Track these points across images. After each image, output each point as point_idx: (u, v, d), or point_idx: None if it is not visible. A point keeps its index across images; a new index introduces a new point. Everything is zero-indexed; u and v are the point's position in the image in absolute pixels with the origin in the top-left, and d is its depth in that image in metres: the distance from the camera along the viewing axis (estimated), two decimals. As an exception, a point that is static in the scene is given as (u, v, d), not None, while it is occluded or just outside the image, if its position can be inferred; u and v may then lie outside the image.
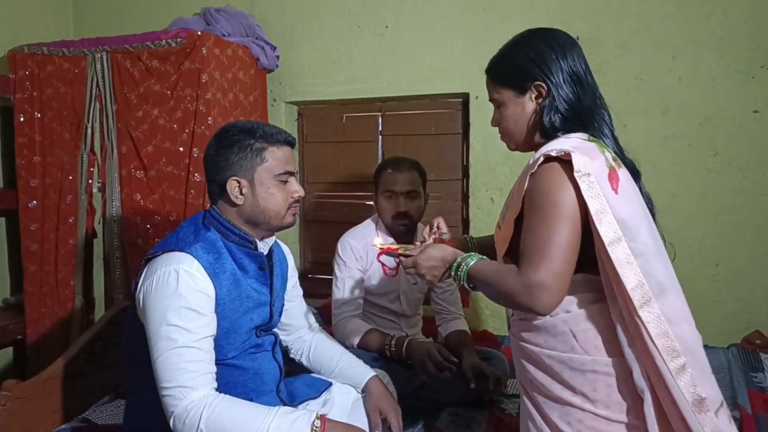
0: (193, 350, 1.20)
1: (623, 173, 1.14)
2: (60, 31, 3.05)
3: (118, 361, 1.51)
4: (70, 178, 2.56)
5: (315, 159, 3.04)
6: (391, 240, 2.05)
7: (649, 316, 1.05)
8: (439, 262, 1.24)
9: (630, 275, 1.06)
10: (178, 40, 2.33)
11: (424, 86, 2.71)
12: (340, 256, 2.05)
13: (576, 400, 1.14)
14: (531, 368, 1.22)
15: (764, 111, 2.31)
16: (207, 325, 1.24)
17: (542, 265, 1.05)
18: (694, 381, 1.04)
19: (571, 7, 2.50)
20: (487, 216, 2.64)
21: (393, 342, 1.84)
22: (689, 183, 2.42)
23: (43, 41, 2.60)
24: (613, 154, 1.17)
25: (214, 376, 1.25)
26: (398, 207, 1.98)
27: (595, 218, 1.06)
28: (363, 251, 2.04)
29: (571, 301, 1.16)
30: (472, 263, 1.18)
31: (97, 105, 2.48)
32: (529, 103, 1.22)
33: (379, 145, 2.93)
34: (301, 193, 1.39)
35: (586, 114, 1.18)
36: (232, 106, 2.51)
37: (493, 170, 2.64)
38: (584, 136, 1.18)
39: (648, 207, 1.20)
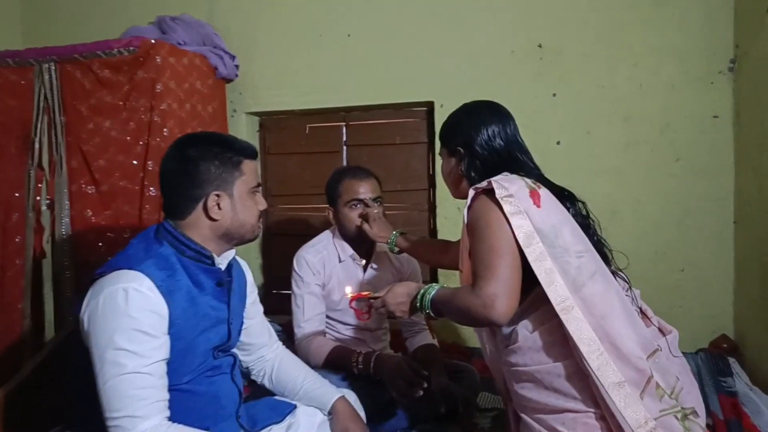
0: (143, 376, 1.11)
1: (544, 192, 1.28)
2: (6, 41, 2.91)
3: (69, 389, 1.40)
4: (17, 195, 2.42)
5: (278, 171, 2.96)
6: (351, 252, 1.99)
7: (566, 313, 1.14)
8: (405, 297, 1.37)
9: (545, 278, 1.16)
10: (131, 48, 2.24)
11: (389, 95, 2.68)
12: (297, 272, 1.97)
13: (570, 404, 1.19)
14: (528, 387, 1.25)
15: (723, 116, 2.34)
16: (159, 348, 1.15)
17: (490, 277, 1.15)
18: (610, 364, 1.11)
19: (534, 17, 2.50)
20: (454, 226, 2.61)
21: (360, 358, 1.77)
22: (653, 188, 2.43)
23: (-13, 51, 2.47)
24: (533, 180, 1.31)
25: (167, 403, 1.16)
26: (368, 214, 1.92)
27: (516, 231, 1.18)
28: (320, 265, 1.97)
29: (542, 313, 1.22)
30: (433, 292, 1.30)
31: (45, 118, 2.36)
32: (455, 161, 1.46)
33: (344, 156, 2.88)
34: (265, 205, 1.39)
35: (501, 164, 1.37)
36: (189, 117, 2.42)
37: (460, 179, 2.61)
38: (507, 173, 1.34)
39: (585, 223, 1.33)
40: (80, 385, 1.22)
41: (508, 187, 1.24)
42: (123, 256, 1.24)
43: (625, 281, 1.34)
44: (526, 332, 1.25)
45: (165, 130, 2.27)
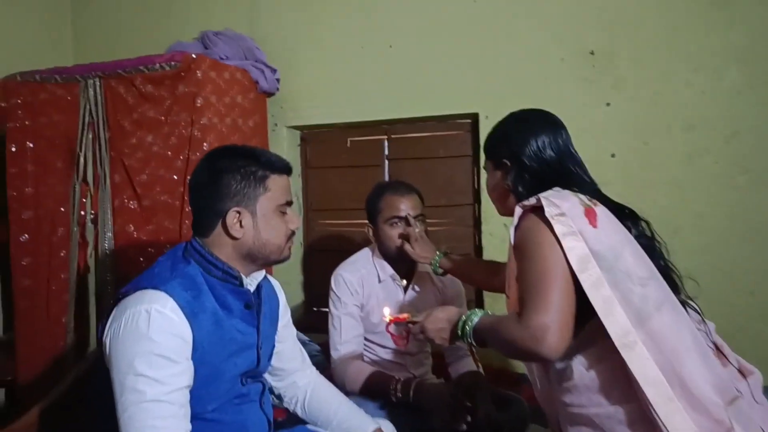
0: (163, 405, 1.05)
1: (601, 210, 1.16)
2: (59, 59, 2.98)
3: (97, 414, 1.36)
4: (62, 209, 2.45)
5: (319, 185, 2.91)
6: (392, 272, 1.90)
7: (628, 350, 1.01)
8: (445, 323, 1.27)
9: (602, 309, 1.03)
10: (173, 63, 2.24)
11: (431, 107, 2.59)
12: (334, 292, 1.89)
13: None
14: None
15: (797, 124, 2.14)
16: (181, 375, 1.09)
17: (541, 306, 1.04)
18: (682, 414, 0.96)
19: (582, 22, 2.37)
20: (501, 242, 2.48)
21: (399, 385, 1.67)
22: (717, 203, 2.24)
23: (39, 68, 2.52)
24: (588, 197, 1.19)
25: (189, 434, 1.10)
26: (409, 234, 1.83)
27: (569, 255, 1.07)
28: (359, 284, 1.88)
29: (605, 348, 1.07)
30: (476, 319, 1.20)
31: (90, 133, 2.38)
32: (502, 175, 1.36)
33: (386, 170, 2.80)
34: (298, 224, 1.29)
35: (552, 177, 1.26)
36: (230, 132, 2.40)
37: (506, 194, 2.49)
38: (557, 188, 1.22)
39: (650, 245, 1.20)
40: (106, 411, 1.17)
41: (560, 204, 1.12)
42: (148, 274, 1.19)
43: (698, 312, 1.18)
44: (582, 369, 1.11)
45: (205, 144, 2.25)
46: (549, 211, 1.11)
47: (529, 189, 1.26)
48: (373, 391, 1.71)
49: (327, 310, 2.69)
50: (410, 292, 1.93)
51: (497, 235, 2.51)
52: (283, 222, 1.25)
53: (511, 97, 2.42)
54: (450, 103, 2.56)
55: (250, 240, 1.21)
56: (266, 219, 1.22)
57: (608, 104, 2.35)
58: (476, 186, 2.64)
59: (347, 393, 1.56)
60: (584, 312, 1.06)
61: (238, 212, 1.20)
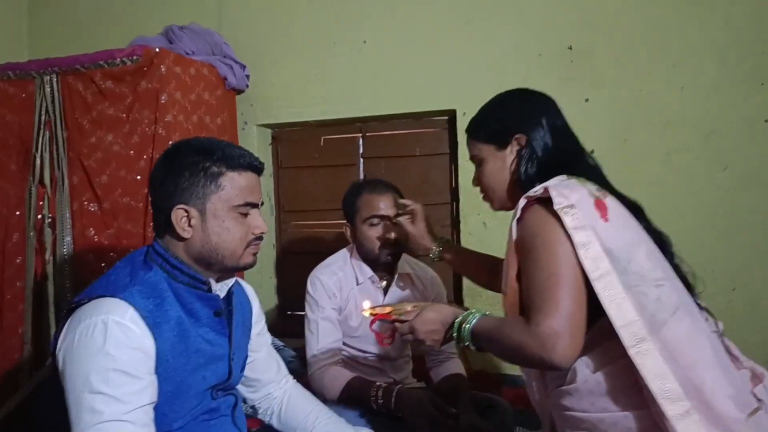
0: (123, 425, 0.94)
1: (611, 201, 1.08)
2: (13, 54, 2.81)
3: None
4: (17, 213, 2.30)
5: (291, 185, 2.81)
6: (370, 274, 1.82)
7: (642, 358, 0.93)
8: (438, 324, 1.14)
9: (615, 314, 0.95)
10: (134, 57, 2.11)
11: (407, 104, 2.52)
12: (311, 295, 1.81)
13: None
14: None
15: (775, 120, 2.13)
16: (142, 391, 0.98)
17: (551, 310, 0.95)
18: (700, 428, 0.89)
19: (561, 19, 2.33)
20: (480, 242, 2.42)
21: (380, 392, 1.59)
22: (697, 200, 2.22)
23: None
24: (598, 186, 1.11)
25: (152, 457, 1.00)
26: (388, 233, 1.75)
27: (579, 252, 0.98)
28: (336, 287, 1.80)
29: (613, 349, 0.99)
30: (474, 321, 1.08)
31: (47, 132, 2.24)
32: (509, 156, 1.22)
33: (361, 169, 2.72)
34: (264, 229, 1.16)
35: (562, 160, 1.17)
36: (196, 129, 2.28)
37: (484, 192, 2.43)
38: (563, 177, 1.13)
39: (661, 242, 1.13)
40: (60, 430, 1.06)
41: (569, 195, 1.03)
42: (104, 281, 1.09)
43: (710, 315, 1.12)
44: (587, 372, 1.03)
45: (170, 143, 2.12)
46: (558, 203, 1.01)
47: (536, 175, 1.15)
48: (353, 398, 1.63)
49: (301, 314, 2.58)
50: (390, 294, 1.85)
51: (476, 235, 2.45)
52: (241, 225, 1.12)
53: (489, 93, 2.28)
54: (427, 99, 2.49)
55: (198, 242, 1.10)
56: (217, 220, 1.10)
57: (587, 100, 2.31)
58: (453, 184, 2.58)
59: (325, 401, 1.47)
60: (592, 312, 0.98)
61: (185, 210, 1.09)
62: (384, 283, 1.85)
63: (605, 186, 1.13)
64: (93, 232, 2.21)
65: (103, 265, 2.19)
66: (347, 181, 2.70)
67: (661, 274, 1.02)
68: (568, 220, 0.99)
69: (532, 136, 1.18)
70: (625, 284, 0.97)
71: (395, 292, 1.87)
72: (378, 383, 1.64)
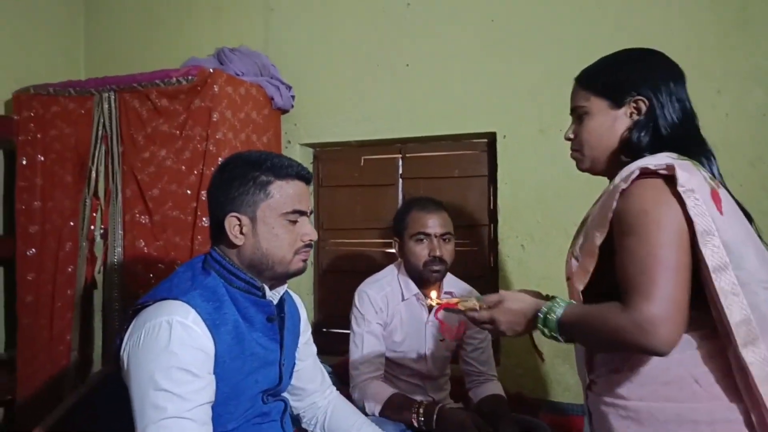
0: (185, 422, 0.99)
1: (724, 193, 1.02)
2: (71, 73, 2.96)
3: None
4: (71, 224, 2.40)
5: (331, 204, 2.86)
6: (416, 291, 1.84)
7: (753, 357, 0.91)
8: (520, 317, 1.08)
9: (735, 308, 0.92)
10: (189, 77, 2.21)
11: (447, 126, 2.55)
12: (357, 309, 1.84)
13: None
14: None
15: (824, 147, 2.11)
16: (202, 390, 1.03)
17: (655, 294, 0.90)
18: None
19: (605, 42, 2.32)
20: (518, 265, 2.42)
21: (422, 409, 1.60)
22: (742, 227, 2.19)
23: (51, 82, 2.50)
24: (711, 175, 1.05)
25: (210, 455, 1.03)
26: (433, 251, 1.78)
27: (700, 239, 0.93)
28: (384, 302, 1.83)
29: (685, 339, 0.97)
30: (560, 311, 1.01)
31: (103, 147, 2.35)
32: (622, 118, 1.12)
33: (399, 189, 2.75)
34: (313, 236, 1.20)
35: (681, 138, 1.07)
36: (243, 147, 2.36)
37: (523, 215, 2.44)
38: (673, 155, 1.04)
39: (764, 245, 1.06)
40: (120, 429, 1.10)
41: (690, 178, 0.95)
42: (167, 285, 1.14)
43: None
44: (656, 358, 0.97)
45: (219, 159, 2.21)
46: (683, 182, 0.93)
47: (648, 146, 1.05)
48: (394, 413, 1.64)
49: (336, 331, 2.62)
50: (434, 312, 1.87)
51: (514, 257, 2.45)
52: (290, 232, 1.17)
53: (530, 116, 2.39)
54: (467, 122, 2.52)
55: (250, 249, 1.15)
56: (267, 227, 1.15)
57: (629, 125, 2.31)
58: (492, 206, 2.59)
59: (368, 414, 1.48)
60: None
61: (237, 218, 1.15)
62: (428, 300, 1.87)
63: (718, 177, 1.08)
64: (143, 244, 2.29)
65: (151, 276, 2.26)
66: (386, 200, 2.77)
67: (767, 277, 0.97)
68: (690, 204, 0.93)
69: (656, 102, 1.08)
70: (740, 280, 0.93)
71: (440, 311, 1.88)
72: (420, 400, 1.65)
